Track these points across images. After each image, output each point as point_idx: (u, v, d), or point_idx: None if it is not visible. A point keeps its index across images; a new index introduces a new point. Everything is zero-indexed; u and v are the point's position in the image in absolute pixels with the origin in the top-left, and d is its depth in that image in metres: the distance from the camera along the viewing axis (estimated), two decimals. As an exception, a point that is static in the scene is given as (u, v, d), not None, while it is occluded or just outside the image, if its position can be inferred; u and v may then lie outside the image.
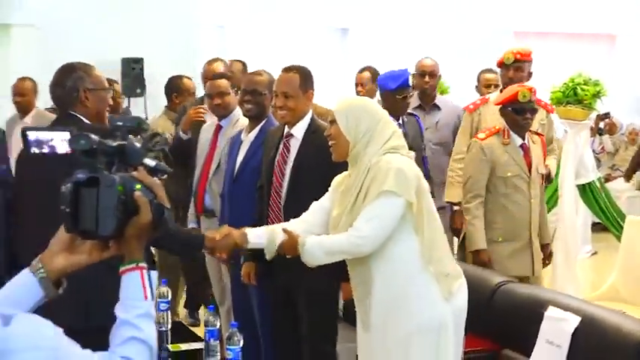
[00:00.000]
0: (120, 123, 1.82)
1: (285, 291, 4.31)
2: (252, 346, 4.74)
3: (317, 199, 3.87)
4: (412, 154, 3.66)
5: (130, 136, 1.82)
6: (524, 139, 5.08)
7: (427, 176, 5.43)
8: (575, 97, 6.33)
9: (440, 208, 5.71)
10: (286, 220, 4.09)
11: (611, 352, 3.59)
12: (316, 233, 3.59)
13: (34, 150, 1.79)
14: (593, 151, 9.59)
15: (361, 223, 3.40)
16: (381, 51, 14.36)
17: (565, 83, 6.38)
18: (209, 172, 5.26)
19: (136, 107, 12.03)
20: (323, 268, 3.60)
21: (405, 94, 5.38)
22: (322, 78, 13.35)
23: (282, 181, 4.33)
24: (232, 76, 6.12)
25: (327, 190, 3.86)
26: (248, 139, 4.73)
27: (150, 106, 11.66)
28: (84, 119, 3.58)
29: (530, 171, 5.06)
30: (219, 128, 5.36)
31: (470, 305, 4.31)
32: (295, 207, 4.15)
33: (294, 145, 4.35)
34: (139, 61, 14.12)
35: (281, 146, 4.36)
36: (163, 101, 12.74)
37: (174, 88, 7.14)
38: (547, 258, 5.31)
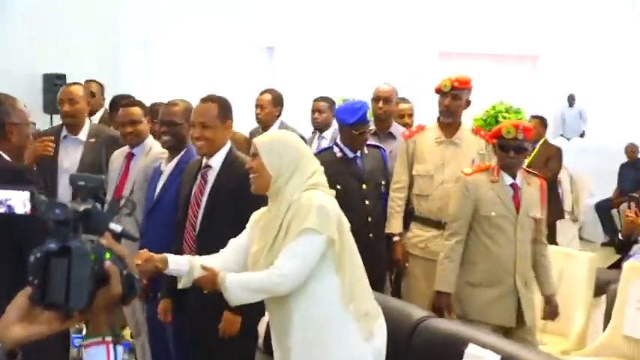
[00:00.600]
0: (82, 183, 1.71)
1: (201, 328, 4.24)
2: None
3: (232, 231, 3.82)
4: (332, 191, 3.61)
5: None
6: (514, 177, 4.86)
7: (384, 211, 5.49)
8: (497, 123, 6.36)
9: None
10: (199, 252, 4.02)
11: (530, 391, 3.60)
12: (233, 271, 3.53)
13: None
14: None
15: (282, 261, 3.35)
16: (307, 69, 14.40)
17: (487, 110, 6.43)
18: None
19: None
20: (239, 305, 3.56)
21: (363, 130, 5.28)
22: (248, 96, 13.34)
23: (197, 213, 4.26)
24: (92, 98, 6.55)
25: (242, 223, 3.82)
26: (167, 169, 4.65)
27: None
28: (4, 155, 3.47)
29: (518, 212, 4.81)
30: (130, 156, 5.26)
31: (390, 340, 4.28)
32: (209, 239, 4.13)
33: (211, 176, 4.28)
34: (61, 77, 13.90)
35: (198, 178, 4.28)
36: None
37: None
38: (553, 310, 5.00)
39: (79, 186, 1.70)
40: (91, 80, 7.40)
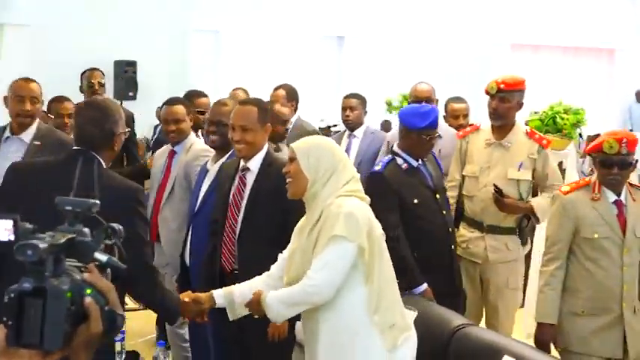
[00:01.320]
0: (69, 207, 1.68)
1: (238, 327, 4.25)
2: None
3: (271, 233, 3.92)
4: (368, 199, 3.57)
5: (80, 225, 1.68)
6: (619, 195, 4.44)
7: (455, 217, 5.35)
8: (554, 125, 6.20)
9: None
10: (239, 255, 4.15)
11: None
12: (279, 286, 3.55)
13: None
14: (582, 172, 9.44)
15: (313, 272, 3.36)
16: (376, 59, 14.32)
17: (544, 111, 6.27)
18: (161, 200, 5.18)
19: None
20: None
21: (433, 135, 4.83)
22: (317, 86, 13.35)
23: (237, 216, 4.26)
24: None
25: (281, 224, 3.91)
26: (214, 169, 4.66)
27: (142, 110, 11.51)
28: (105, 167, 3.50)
29: (624, 233, 4.39)
30: (172, 154, 5.29)
31: (428, 347, 4.26)
32: (249, 242, 4.18)
33: (250, 178, 4.28)
34: (132, 64, 14.11)
35: (237, 180, 4.29)
36: (155, 104, 12.69)
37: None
38: None
39: (67, 211, 1.67)
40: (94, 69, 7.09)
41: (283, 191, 3.65)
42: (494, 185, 5.20)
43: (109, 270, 1.69)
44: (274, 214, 4.07)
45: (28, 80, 5.30)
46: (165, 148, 5.44)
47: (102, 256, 1.66)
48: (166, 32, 13.89)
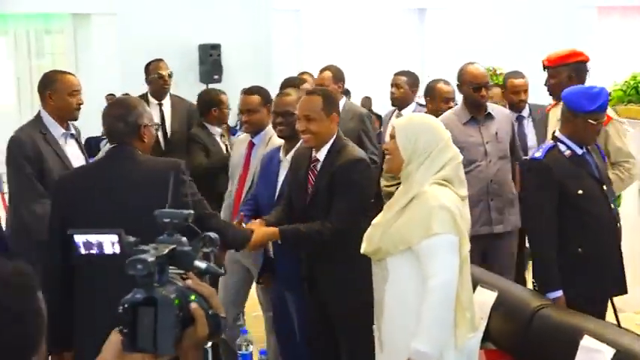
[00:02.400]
0: (167, 220, 1.81)
1: (323, 305, 4.32)
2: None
3: None
4: (465, 192, 3.56)
5: (178, 235, 1.82)
6: None
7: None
8: (637, 95, 6.07)
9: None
10: None
11: (646, 387, 3.46)
12: None
13: (83, 251, 1.81)
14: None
15: (431, 280, 3.35)
16: (459, 32, 14.15)
17: (626, 81, 6.13)
18: (242, 192, 5.21)
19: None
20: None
21: (601, 120, 4.47)
22: (399, 60, 13.27)
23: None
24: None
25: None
26: (287, 160, 4.69)
27: (228, 93, 11.65)
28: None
29: None
30: (251, 145, 5.30)
31: (510, 326, 4.27)
32: None
33: (318, 169, 4.33)
34: (216, 47, 14.27)
35: (310, 172, 4.33)
36: (239, 87, 12.75)
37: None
38: None
39: (165, 223, 1.80)
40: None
41: (339, 181, 3.92)
42: None
43: (207, 276, 1.82)
44: (330, 202, 4.16)
45: (71, 74, 5.12)
46: (244, 138, 5.47)
47: (201, 264, 1.79)
48: (248, 13, 13.99)
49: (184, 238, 1.80)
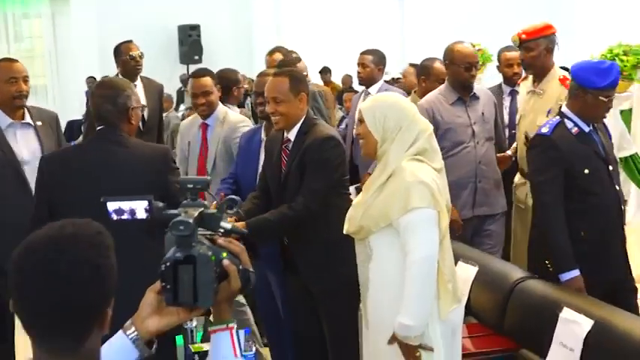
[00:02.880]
0: (190, 185, 1.95)
1: (303, 286, 4.35)
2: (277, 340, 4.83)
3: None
4: (438, 164, 3.56)
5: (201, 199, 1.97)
6: None
7: None
8: (615, 69, 6.09)
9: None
10: None
11: (624, 358, 3.52)
12: None
13: (115, 217, 1.99)
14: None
15: (412, 254, 3.36)
16: (439, 10, 14.15)
17: (603, 54, 6.15)
18: (204, 174, 5.14)
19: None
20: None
21: (612, 96, 4.32)
22: (379, 37, 13.26)
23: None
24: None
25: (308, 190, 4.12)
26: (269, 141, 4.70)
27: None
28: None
29: None
30: (205, 127, 5.28)
31: (490, 300, 4.31)
32: None
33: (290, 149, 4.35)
34: (195, 28, 14.25)
35: (282, 152, 4.35)
36: (220, 67, 12.68)
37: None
38: None
39: (188, 188, 1.95)
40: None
41: (309, 159, 3.94)
42: (525, 133, 5.22)
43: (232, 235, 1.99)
44: (301, 180, 4.17)
45: (13, 60, 4.93)
46: (192, 120, 5.45)
47: (226, 225, 1.97)
48: (228, -5, 13.96)
49: (206, 202, 1.96)
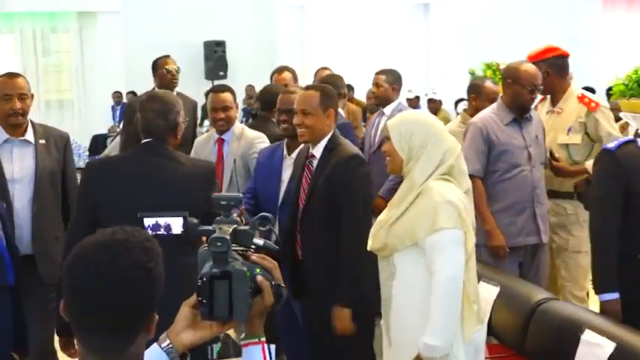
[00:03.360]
0: (224, 202, 2.01)
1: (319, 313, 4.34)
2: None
3: (326, 226, 4.08)
4: (468, 183, 3.55)
5: (234, 215, 2.03)
6: None
7: None
8: (639, 89, 6.06)
9: None
10: (302, 245, 4.32)
11: (646, 381, 3.50)
12: None
13: (150, 233, 2.00)
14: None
15: (437, 274, 3.36)
16: (463, 27, 14.15)
17: (628, 75, 6.10)
18: (222, 189, 5.14)
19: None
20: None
21: None
22: (403, 55, 13.29)
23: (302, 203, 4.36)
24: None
25: (337, 211, 4.05)
26: (291, 158, 4.70)
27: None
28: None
29: None
30: (221, 142, 5.30)
31: (512, 321, 4.30)
32: (307, 228, 4.28)
33: (315, 165, 4.34)
34: (221, 44, 14.33)
35: (305, 168, 4.36)
36: (244, 83, 12.75)
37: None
38: None
39: (222, 205, 2.01)
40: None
41: (336, 179, 3.91)
42: (550, 151, 5.27)
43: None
44: (329, 204, 4.15)
45: (12, 76, 4.69)
46: (208, 137, 5.47)
47: (259, 241, 2.02)
48: (252, 10, 14.03)
49: (238, 219, 2.02)
